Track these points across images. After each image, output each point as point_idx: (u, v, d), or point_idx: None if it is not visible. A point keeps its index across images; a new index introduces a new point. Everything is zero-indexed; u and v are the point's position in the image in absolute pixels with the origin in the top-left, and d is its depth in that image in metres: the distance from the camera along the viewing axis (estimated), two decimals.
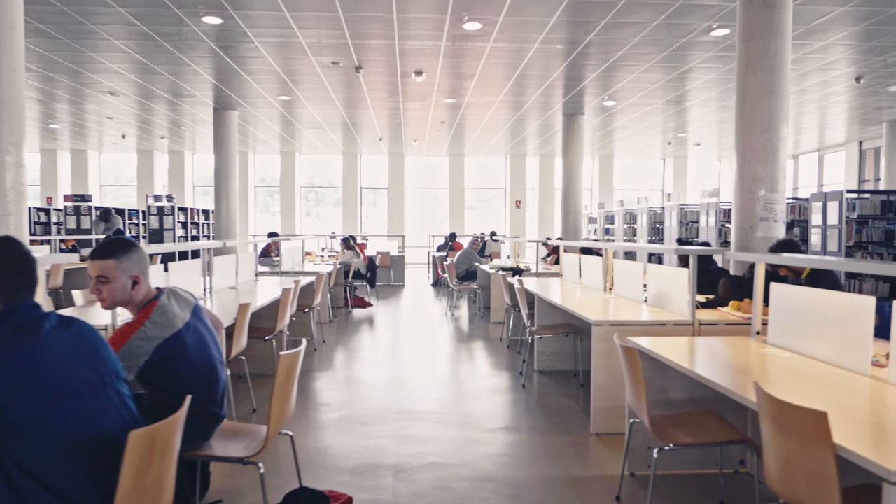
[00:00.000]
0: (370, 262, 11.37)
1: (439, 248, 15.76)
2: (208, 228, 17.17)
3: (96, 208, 14.02)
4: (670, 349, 3.25)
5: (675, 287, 4.61)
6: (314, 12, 7.70)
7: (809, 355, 3.09)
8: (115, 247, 2.41)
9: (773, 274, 4.76)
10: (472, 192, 21.48)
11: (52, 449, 1.60)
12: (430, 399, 5.19)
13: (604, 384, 4.22)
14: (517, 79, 10.87)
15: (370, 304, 10.88)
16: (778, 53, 6.35)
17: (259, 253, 11.66)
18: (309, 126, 15.59)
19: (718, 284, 4.94)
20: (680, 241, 9.94)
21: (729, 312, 4.51)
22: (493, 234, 14.80)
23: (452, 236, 14.57)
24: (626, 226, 16.23)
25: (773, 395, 2.06)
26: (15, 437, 1.57)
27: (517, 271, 8.93)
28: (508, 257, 12.15)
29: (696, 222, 13.10)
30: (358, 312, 10.33)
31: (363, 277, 11.15)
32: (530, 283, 6.64)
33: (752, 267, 5.02)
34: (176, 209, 14.74)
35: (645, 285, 5.19)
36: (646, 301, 5.17)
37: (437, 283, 14.47)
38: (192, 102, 12.87)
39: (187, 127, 15.66)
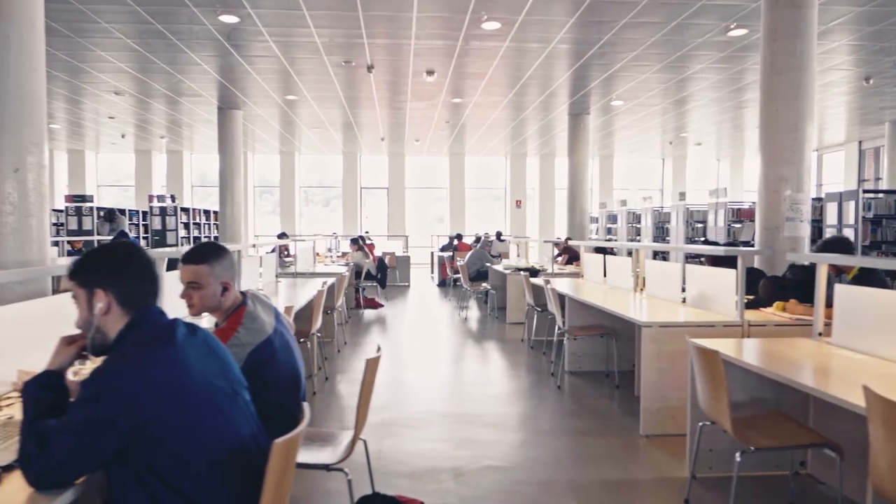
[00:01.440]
0: (380, 262, 11.31)
1: (443, 249, 15.71)
2: (209, 229, 17.02)
3: (97, 209, 13.83)
4: (738, 351, 3.23)
5: (719, 288, 4.60)
6: (333, 11, 7.63)
7: (883, 356, 3.08)
8: (208, 251, 2.35)
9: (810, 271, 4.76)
10: (472, 192, 21.42)
11: (193, 461, 1.55)
12: (468, 401, 5.15)
13: (653, 386, 4.20)
14: (528, 79, 10.85)
15: (381, 305, 10.82)
16: (804, 53, 6.37)
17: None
18: (312, 126, 15.49)
19: (759, 285, 4.93)
20: (706, 242, 9.95)
21: (773, 313, 4.50)
22: (499, 234, 14.76)
23: (458, 237, 14.52)
24: (629, 225, 16.25)
25: (886, 398, 2.04)
26: (156, 450, 1.52)
27: (533, 272, 8.90)
28: (518, 256, 12.13)
29: (702, 222, 13.14)
30: (369, 313, 10.27)
31: (373, 278, 11.08)
32: (557, 285, 6.61)
33: (791, 267, 5.03)
34: (178, 210, 14.59)
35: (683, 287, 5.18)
36: (684, 301, 5.16)
37: (444, 284, 14.42)
38: (197, 102, 12.73)
39: (188, 127, 15.51)
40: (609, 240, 17.04)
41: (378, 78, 10.77)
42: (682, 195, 13.54)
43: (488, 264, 10.85)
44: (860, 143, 16.98)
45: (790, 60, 6.34)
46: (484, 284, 10.40)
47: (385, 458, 3.85)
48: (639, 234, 15.86)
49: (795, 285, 4.62)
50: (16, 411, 2.18)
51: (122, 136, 16.66)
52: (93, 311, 1.62)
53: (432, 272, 16.95)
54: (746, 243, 10.83)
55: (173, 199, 14.96)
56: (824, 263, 3.55)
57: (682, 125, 15.56)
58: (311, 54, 9.39)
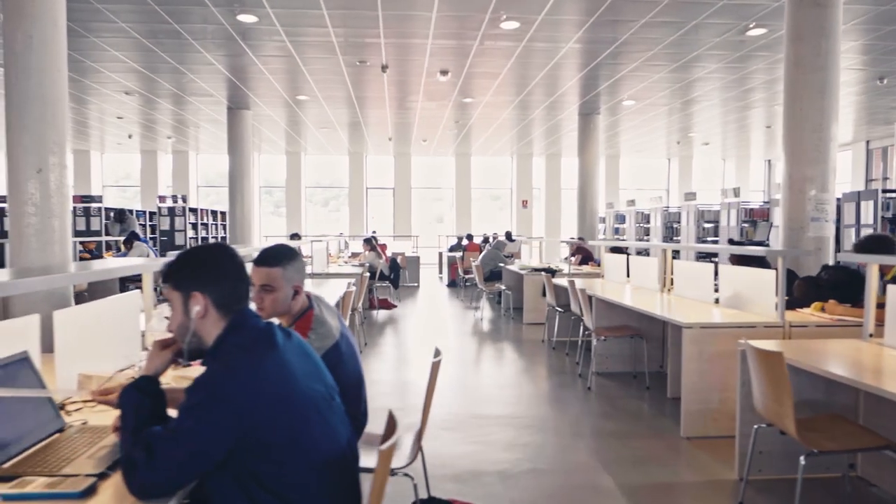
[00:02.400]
0: (393, 262, 11.27)
1: (452, 249, 15.68)
2: (217, 230, 16.96)
3: (105, 209, 13.76)
4: (792, 353, 3.19)
5: (756, 288, 4.57)
6: (352, 10, 7.59)
7: None
8: (282, 254, 2.30)
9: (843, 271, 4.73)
10: (478, 192, 21.38)
11: (297, 468, 1.51)
12: (499, 403, 5.12)
13: (694, 387, 4.17)
14: (542, 78, 10.82)
15: (395, 306, 10.78)
16: (829, 53, 6.36)
17: None
18: (320, 126, 15.44)
19: (793, 285, 4.90)
20: (731, 242, 9.94)
21: (811, 314, 4.47)
22: (508, 234, 14.72)
23: (469, 237, 14.48)
24: (637, 225, 16.23)
25: None
26: (262, 457, 1.48)
27: (551, 272, 8.87)
28: (531, 256, 12.09)
29: (713, 222, 13.12)
30: (383, 314, 10.23)
31: (386, 278, 11.04)
32: (581, 285, 6.57)
33: (825, 267, 5.00)
34: (187, 210, 14.53)
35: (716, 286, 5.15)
36: (716, 302, 5.13)
37: (454, 284, 14.38)
38: (207, 102, 12.68)
39: (196, 127, 15.45)
40: (617, 240, 17.01)
41: (391, 77, 10.73)
42: (693, 195, 13.50)
43: (501, 265, 10.81)
44: (868, 142, 16.98)
45: (815, 60, 6.33)
46: (498, 285, 10.36)
47: (428, 461, 3.81)
48: (647, 235, 15.84)
49: (832, 285, 4.59)
50: (87, 416, 2.14)
51: (129, 137, 16.59)
52: (189, 314, 1.58)
53: (440, 272, 16.91)
54: (761, 243, 10.81)
55: (184, 199, 14.89)
56: (874, 263, 3.52)
57: (691, 125, 15.55)
58: (325, 54, 9.35)
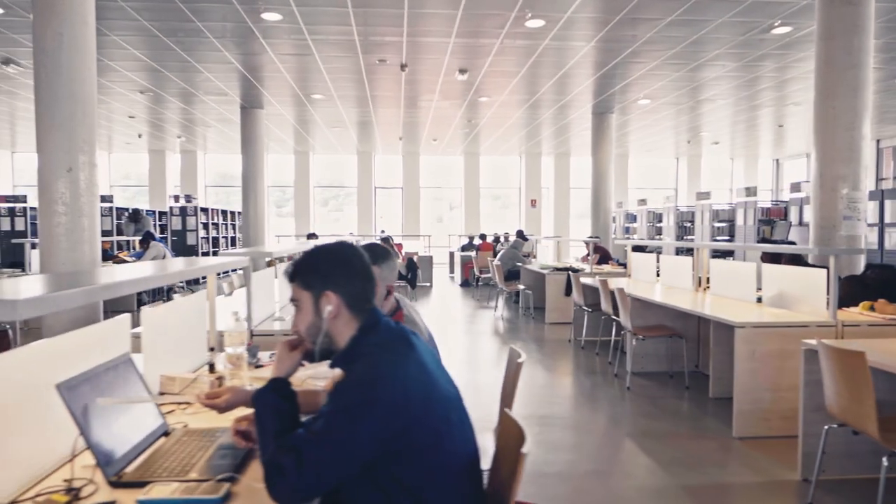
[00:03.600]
0: (409, 262, 11.23)
1: (464, 248, 15.64)
2: (227, 229, 16.91)
3: (118, 209, 13.71)
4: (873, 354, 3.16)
5: (805, 287, 4.54)
6: (378, 9, 7.55)
7: None
8: (377, 253, 2.26)
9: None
10: (476, 192, 21.27)
11: (439, 471, 1.47)
12: (540, 403, 5.08)
13: (746, 387, 4.14)
14: (560, 77, 10.79)
15: None
16: (861, 50, 6.34)
17: None
18: (331, 125, 15.39)
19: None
20: (763, 240, 9.91)
21: (860, 312, 4.44)
22: (520, 233, 14.64)
23: (482, 236, 14.44)
24: (649, 225, 16.20)
25: None
26: (405, 460, 1.44)
27: (573, 272, 8.83)
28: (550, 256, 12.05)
29: (727, 221, 13.11)
30: None
31: (403, 278, 11.00)
32: (612, 284, 6.54)
33: (869, 266, 4.98)
34: (198, 210, 14.47)
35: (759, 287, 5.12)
36: (759, 301, 5.09)
37: (467, 283, 14.34)
38: (220, 101, 12.63)
39: (206, 126, 15.38)
40: (627, 239, 16.98)
41: (408, 76, 10.68)
42: (707, 194, 13.48)
43: (519, 264, 10.78)
44: (878, 141, 16.97)
45: (847, 58, 6.31)
46: (517, 284, 10.33)
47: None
48: (659, 234, 15.82)
49: (880, 284, 4.57)
50: (180, 418, 2.10)
51: (140, 136, 16.53)
52: (321, 314, 1.54)
53: (451, 272, 16.87)
54: (781, 242, 10.78)
55: (194, 199, 14.83)
56: None
57: (703, 124, 15.51)
58: (345, 52, 9.30)
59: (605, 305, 6.33)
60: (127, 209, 13.57)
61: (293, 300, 1.59)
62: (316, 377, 2.52)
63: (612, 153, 13.90)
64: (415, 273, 11.17)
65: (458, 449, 1.53)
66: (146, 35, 8.43)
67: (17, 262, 11.83)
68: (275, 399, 1.51)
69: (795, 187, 12.15)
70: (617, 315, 5.86)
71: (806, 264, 6.45)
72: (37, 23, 6.03)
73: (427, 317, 9.60)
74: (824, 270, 4.32)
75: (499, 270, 10.04)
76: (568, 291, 8.58)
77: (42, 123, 6.06)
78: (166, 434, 1.89)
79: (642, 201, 16.67)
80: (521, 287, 10.07)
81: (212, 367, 2.69)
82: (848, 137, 6.31)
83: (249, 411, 1.72)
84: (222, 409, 1.91)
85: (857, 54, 6.32)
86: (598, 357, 6.76)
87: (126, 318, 2.20)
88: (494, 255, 13.36)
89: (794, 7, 7.45)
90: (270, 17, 7.76)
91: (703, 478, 3.54)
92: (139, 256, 10.48)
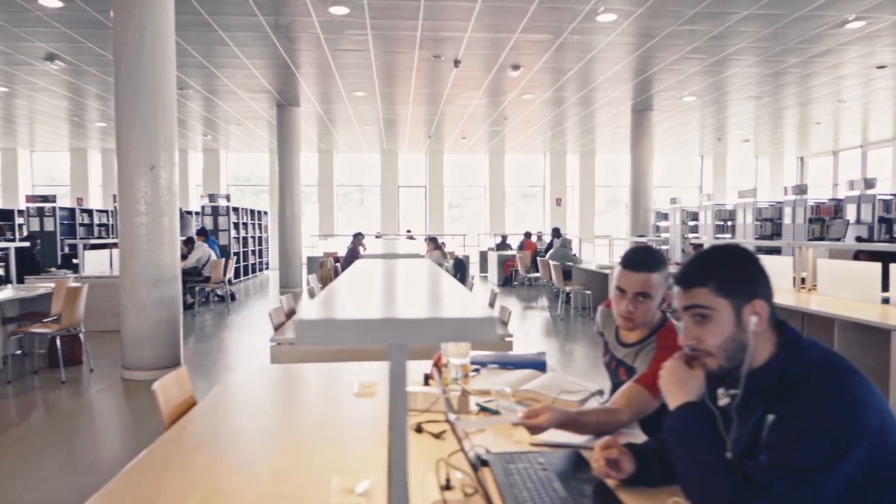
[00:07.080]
0: (457, 261, 11.04)
1: (498, 247, 15.46)
2: (255, 229, 16.68)
3: None
4: None
5: None
6: (449, 2, 7.36)
7: None
8: (657, 258, 2.05)
9: None
10: (482, 191, 21.05)
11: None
12: None
13: None
14: (613, 73, 10.60)
15: None
16: None
17: (346, 254, 11.29)
18: (364, 123, 15.15)
19: None
20: (858, 239, 9.74)
21: None
22: (556, 231, 14.47)
23: (527, 235, 14.26)
24: (682, 223, 16.04)
25: None
26: (853, 499, 1.24)
27: None
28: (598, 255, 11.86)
29: (769, 219, 12.96)
30: None
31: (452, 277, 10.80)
32: None
33: None
34: (230, 209, 14.24)
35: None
36: (885, 302, 4.92)
37: (507, 282, 14.16)
38: (258, 98, 12.40)
39: (238, 124, 15.14)
40: (658, 237, 16.82)
41: (459, 73, 10.48)
42: (753, 192, 13.31)
43: (570, 263, 10.61)
44: None
45: None
46: (571, 283, 10.14)
47: None
48: (693, 232, 15.67)
49: None
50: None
51: None
52: (745, 327, 1.34)
53: (483, 271, 16.69)
54: (837, 241, 10.63)
55: (228, 198, 14.61)
56: None
57: (737, 122, 15.36)
58: (403, 48, 9.11)
59: None
60: None
61: (690, 307, 1.38)
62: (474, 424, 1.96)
63: (653, 151, 13.73)
64: (464, 273, 10.98)
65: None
66: (201, 29, 8.18)
67: (50, 263, 11.57)
68: (698, 425, 1.32)
69: (837, 188, 11.99)
70: None
71: None
72: (118, 16, 5.81)
73: None
74: None
75: (557, 270, 9.85)
76: None
77: (123, 120, 5.84)
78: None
79: (674, 199, 16.50)
80: (577, 287, 9.88)
81: (426, 379, 2.49)
82: None
83: (608, 437, 1.53)
84: (541, 430, 1.72)
85: None
86: None
87: None
88: (535, 254, 13.19)
89: (874, 1, 7.28)
90: (337, 10, 7.55)
91: None
92: (183, 258, 10.25)
